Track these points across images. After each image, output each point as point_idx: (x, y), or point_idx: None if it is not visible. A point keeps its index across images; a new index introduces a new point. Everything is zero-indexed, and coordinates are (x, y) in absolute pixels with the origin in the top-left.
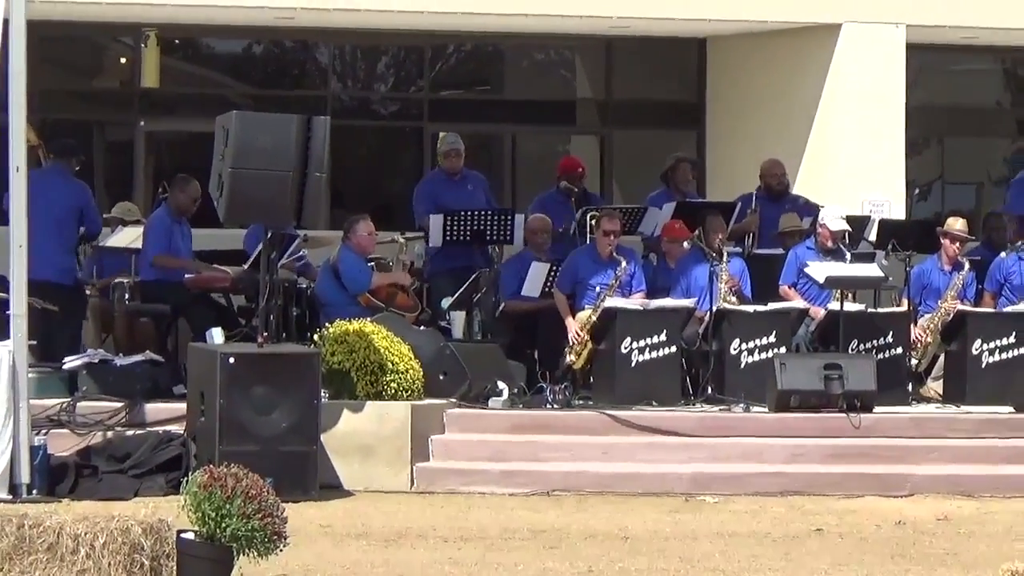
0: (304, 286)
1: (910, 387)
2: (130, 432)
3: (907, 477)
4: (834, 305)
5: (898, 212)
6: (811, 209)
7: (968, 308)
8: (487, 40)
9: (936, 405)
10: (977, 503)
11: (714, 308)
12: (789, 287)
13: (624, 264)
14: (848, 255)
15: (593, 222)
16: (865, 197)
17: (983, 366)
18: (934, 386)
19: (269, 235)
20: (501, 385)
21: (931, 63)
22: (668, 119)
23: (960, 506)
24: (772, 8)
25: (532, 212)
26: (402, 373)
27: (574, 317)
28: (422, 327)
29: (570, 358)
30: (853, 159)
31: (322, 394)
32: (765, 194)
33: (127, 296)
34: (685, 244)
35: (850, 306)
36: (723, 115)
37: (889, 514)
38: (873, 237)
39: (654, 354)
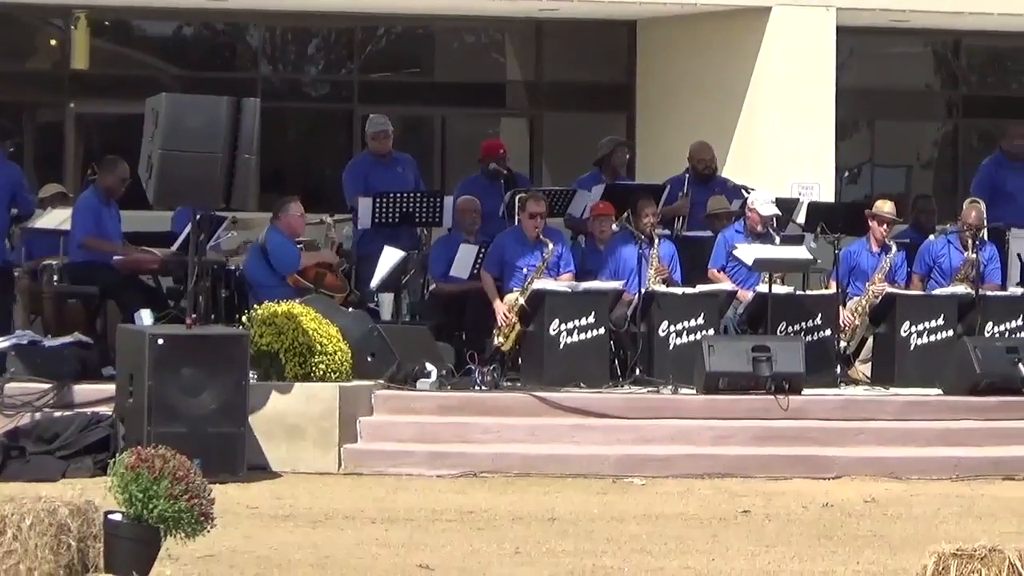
0: (232, 267)
1: (838, 369)
2: (58, 413)
3: (835, 459)
4: (763, 288)
5: (827, 195)
6: (740, 192)
7: (897, 290)
8: (417, 22)
9: (864, 387)
10: (904, 485)
11: (643, 290)
12: (718, 270)
13: (551, 246)
14: (777, 239)
15: (520, 204)
16: (794, 180)
17: (911, 348)
18: (862, 368)
19: (198, 217)
20: (429, 367)
21: (861, 46)
22: (598, 102)
23: (887, 488)
24: None
25: (459, 194)
26: (330, 355)
27: (502, 299)
28: (350, 309)
29: (498, 340)
30: (783, 142)
31: (250, 375)
32: (694, 177)
33: (56, 278)
34: (614, 226)
35: (779, 288)
36: (653, 98)
37: (816, 496)
38: (802, 220)
39: (582, 336)
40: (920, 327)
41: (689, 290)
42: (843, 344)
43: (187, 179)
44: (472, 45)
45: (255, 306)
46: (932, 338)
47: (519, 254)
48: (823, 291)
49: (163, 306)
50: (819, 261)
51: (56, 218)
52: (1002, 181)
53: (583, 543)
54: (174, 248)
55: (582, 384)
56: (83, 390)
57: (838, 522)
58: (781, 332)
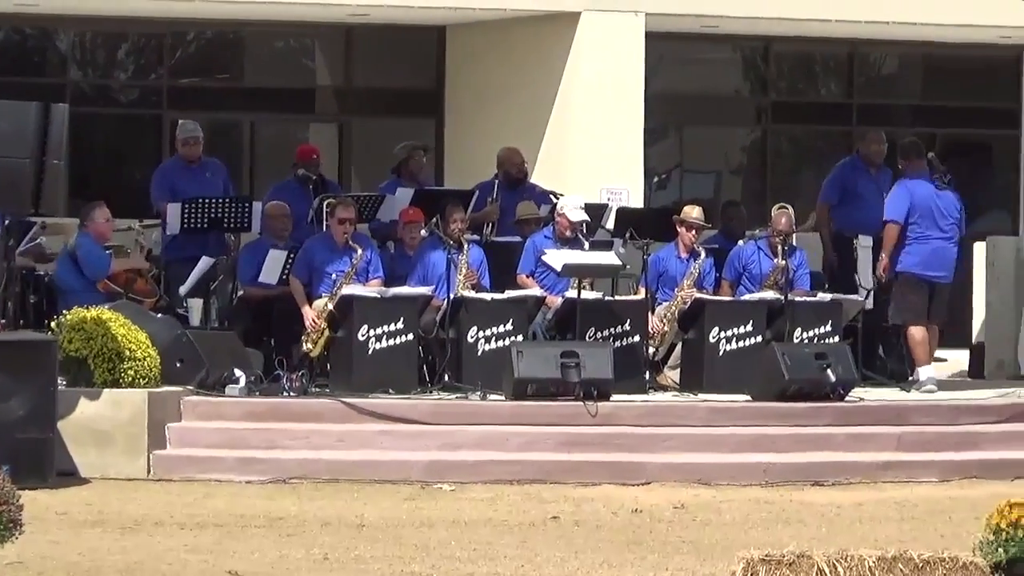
0: (42, 273)
1: (647, 375)
2: None
3: (644, 465)
4: (571, 293)
5: (636, 200)
6: (549, 197)
7: (705, 296)
8: (227, 27)
9: (673, 393)
10: (713, 491)
11: (452, 296)
12: (527, 276)
13: (360, 252)
14: (586, 244)
15: (328, 209)
16: (603, 185)
17: (720, 354)
18: (671, 374)
19: (6, 222)
20: (238, 373)
21: (670, 51)
22: (407, 107)
23: (696, 494)
24: None
25: (269, 199)
26: (139, 360)
27: (311, 305)
28: (159, 314)
29: (307, 346)
30: (592, 147)
31: (59, 381)
32: (503, 182)
33: None
34: (423, 232)
35: (587, 294)
36: (462, 103)
37: (625, 502)
38: (611, 225)
39: (391, 342)
40: (729, 333)
41: (498, 296)
42: (652, 350)
43: None
44: (282, 50)
45: (64, 312)
46: (741, 344)
47: (328, 260)
48: (632, 297)
49: None
50: (628, 267)
51: None
52: (854, 184)
53: (392, 549)
54: None
55: (391, 390)
56: None
57: (647, 528)
58: (590, 338)
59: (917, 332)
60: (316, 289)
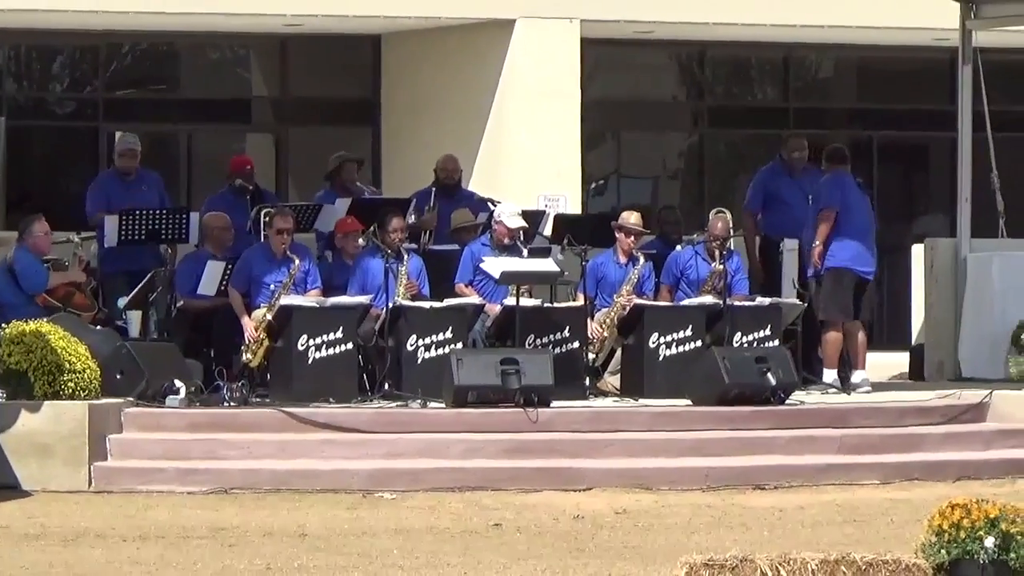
0: None
1: (587, 381)
2: None
3: (585, 471)
4: (510, 301)
5: (574, 206)
6: (486, 205)
7: (645, 302)
8: (162, 39)
9: (614, 399)
10: (655, 496)
11: (391, 304)
12: (465, 284)
13: (298, 262)
14: (524, 251)
15: (267, 220)
16: (541, 192)
17: (660, 359)
18: (612, 380)
19: None
20: (178, 384)
21: (606, 58)
22: (343, 116)
23: (638, 499)
24: (445, 4)
25: (205, 211)
26: (79, 373)
27: (250, 315)
28: (98, 327)
29: (246, 356)
30: (529, 154)
31: None
32: (440, 190)
33: None
34: (360, 241)
35: (526, 301)
36: (398, 112)
37: (567, 508)
38: (548, 232)
39: (331, 351)
40: (668, 338)
41: (437, 304)
42: (592, 356)
43: None
44: (217, 61)
45: (3, 325)
46: (680, 349)
47: (266, 270)
48: (571, 303)
49: None
50: (566, 273)
51: None
52: (777, 189)
53: (334, 558)
54: None
55: (331, 399)
56: None
57: (589, 534)
58: (529, 345)
59: (833, 334)
60: (255, 300)
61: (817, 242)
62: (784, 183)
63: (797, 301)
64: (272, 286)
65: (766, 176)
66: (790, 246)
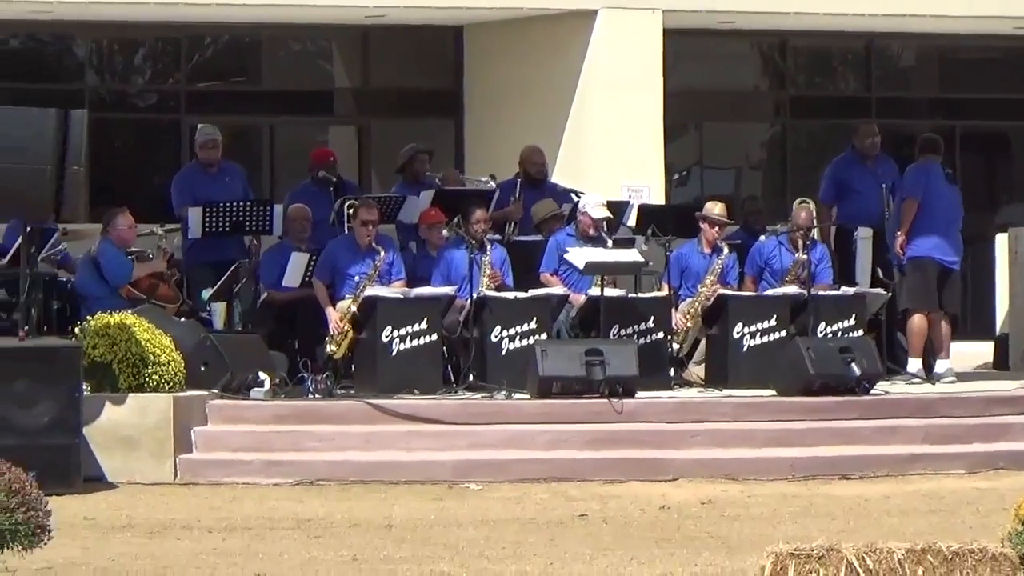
0: (65, 280)
1: (672, 372)
2: None
3: (670, 462)
4: (594, 291)
5: (657, 197)
6: (570, 196)
7: (729, 292)
8: (244, 31)
9: (698, 389)
10: (740, 486)
11: (475, 295)
12: (550, 274)
13: (382, 254)
14: (608, 242)
15: (351, 211)
16: (624, 182)
17: (744, 350)
18: (696, 370)
19: (28, 229)
20: (262, 375)
21: (688, 48)
22: (426, 107)
23: (724, 490)
24: None
25: (289, 203)
26: (164, 365)
27: (334, 307)
28: (183, 319)
29: (330, 348)
30: (611, 145)
31: (84, 387)
32: (524, 181)
33: None
34: (444, 232)
35: (610, 292)
36: (481, 103)
37: (653, 499)
38: (632, 222)
39: (415, 342)
40: (753, 328)
41: (521, 294)
42: (676, 346)
43: (16, 192)
44: (299, 53)
45: (88, 317)
46: (765, 339)
47: (350, 261)
48: (655, 293)
49: None
50: (650, 263)
51: None
52: (849, 179)
53: (420, 549)
54: (4, 261)
55: (416, 390)
56: None
57: (675, 524)
58: (614, 335)
59: (917, 322)
60: (339, 291)
61: (899, 233)
62: (856, 172)
63: (881, 291)
64: (356, 277)
65: (838, 166)
66: (864, 235)
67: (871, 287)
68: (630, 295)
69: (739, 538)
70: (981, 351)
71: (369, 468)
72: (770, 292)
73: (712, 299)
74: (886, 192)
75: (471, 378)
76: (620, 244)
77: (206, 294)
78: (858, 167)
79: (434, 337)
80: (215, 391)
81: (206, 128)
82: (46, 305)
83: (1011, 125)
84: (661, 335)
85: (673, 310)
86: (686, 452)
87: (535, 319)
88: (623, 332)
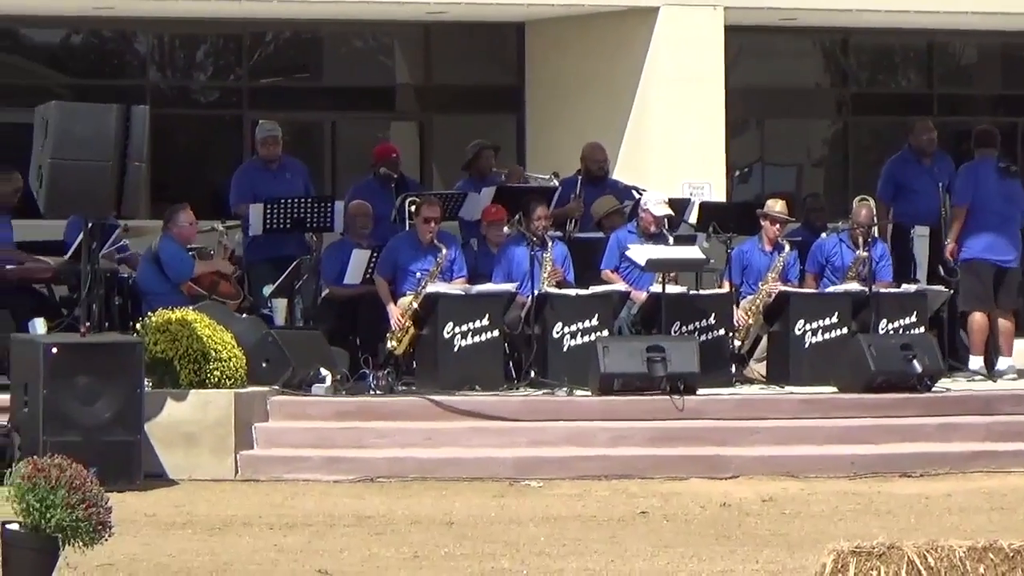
0: (126, 276)
1: (733, 369)
2: None
3: (731, 459)
4: (656, 288)
5: (718, 194)
6: (631, 193)
7: (790, 289)
8: (305, 27)
9: (759, 386)
10: (801, 484)
11: (536, 292)
12: (611, 271)
13: (444, 251)
14: (670, 239)
15: (412, 208)
16: (685, 180)
17: (806, 347)
18: (757, 367)
19: (90, 225)
20: (324, 372)
21: (750, 45)
22: (487, 104)
23: (785, 487)
24: None
25: (350, 199)
26: (225, 361)
27: (396, 303)
28: (244, 315)
29: (391, 344)
30: (673, 142)
31: (145, 383)
32: (586, 178)
33: None
34: (506, 229)
35: (672, 288)
36: (543, 99)
37: (714, 496)
38: (693, 219)
39: (476, 339)
40: (814, 325)
41: (582, 291)
42: (737, 343)
43: (78, 188)
44: (360, 49)
45: (149, 313)
46: (826, 336)
47: (413, 258)
48: (716, 290)
49: (56, 315)
50: (712, 261)
51: None
52: (905, 177)
53: (481, 546)
54: (67, 257)
55: (477, 387)
56: None
57: (736, 521)
58: (675, 332)
59: (978, 319)
60: (400, 287)
61: (949, 240)
62: (913, 171)
63: (942, 288)
64: (418, 274)
65: (895, 165)
66: (921, 232)
67: (930, 284)
68: (691, 292)
69: (800, 536)
70: None
71: (430, 465)
72: (831, 289)
73: (773, 296)
74: (943, 190)
75: (532, 375)
76: (681, 241)
77: (267, 290)
78: (914, 165)
79: (496, 334)
80: (276, 387)
81: (266, 124)
82: (107, 301)
83: None
84: (722, 332)
85: (734, 307)
86: (747, 449)
87: (596, 316)
88: (684, 329)
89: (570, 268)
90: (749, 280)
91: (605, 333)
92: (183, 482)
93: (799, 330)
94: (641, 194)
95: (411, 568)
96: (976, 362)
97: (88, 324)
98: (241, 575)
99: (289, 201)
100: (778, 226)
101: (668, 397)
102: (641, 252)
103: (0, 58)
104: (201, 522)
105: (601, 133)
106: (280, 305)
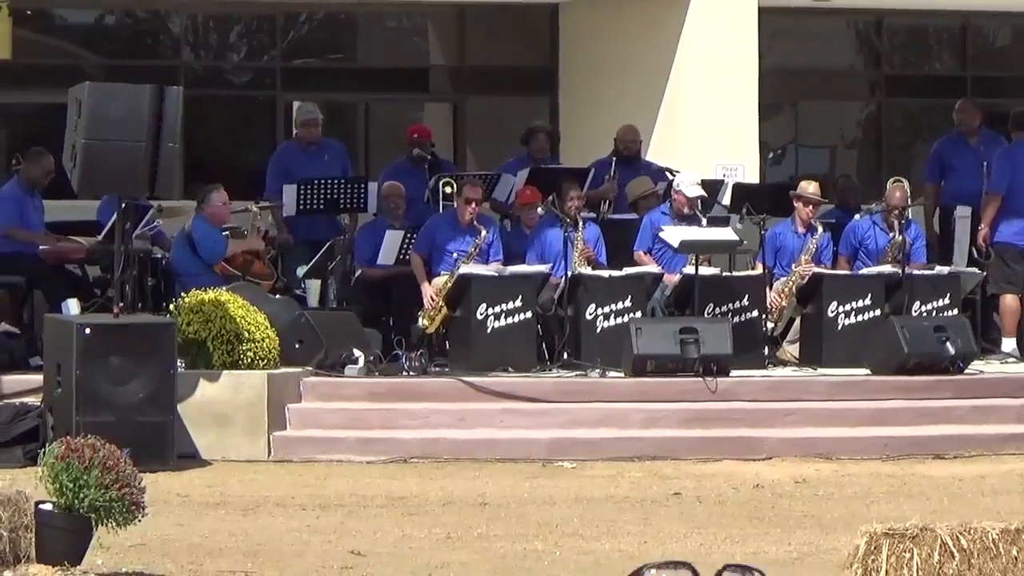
0: (159, 256)
1: (766, 350)
2: None
3: (764, 440)
4: (689, 269)
5: (752, 176)
6: (664, 174)
7: (823, 270)
8: (339, 8)
9: (792, 368)
10: (834, 465)
11: (569, 273)
12: (644, 252)
13: (484, 232)
14: (703, 220)
15: (447, 189)
16: (718, 161)
17: (839, 328)
18: (790, 349)
19: (123, 206)
20: (357, 353)
21: (783, 26)
22: (521, 85)
23: (818, 469)
24: None
25: (384, 180)
26: (258, 342)
27: (430, 282)
28: (277, 296)
29: (423, 322)
30: (706, 123)
31: (178, 364)
32: (619, 159)
33: None
34: (539, 210)
35: (705, 270)
36: (576, 81)
37: (747, 477)
38: (727, 201)
39: (510, 320)
40: (847, 307)
41: (616, 273)
42: (770, 325)
43: (111, 168)
44: (395, 30)
45: (182, 294)
46: (859, 318)
47: (450, 238)
48: (750, 272)
49: (89, 295)
50: (745, 242)
51: None
52: (951, 159)
53: (514, 527)
54: (100, 237)
55: (510, 368)
56: (11, 380)
57: (769, 503)
58: (708, 314)
59: (1008, 301)
60: (435, 267)
61: (983, 225)
62: (959, 152)
63: (975, 270)
64: (455, 255)
65: (943, 146)
66: (962, 213)
67: (968, 266)
68: (724, 274)
69: (833, 517)
70: None
71: (463, 446)
72: (865, 271)
73: (807, 278)
74: (986, 170)
75: (565, 356)
76: (715, 223)
77: (301, 271)
78: (960, 145)
79: (529, 315)
80: (309, 368)
81: (307, 106)
82: (141, 281)
83: None
84: (755, 314)
85: (767, 289)
86: (780, 431)
87: (630, 297)
88: (717, 311)
89: (602, 249)
90: (782, 262)
91: (638, 314)
92: (216, 462)
93: (832, 312)
94: (674, 176)
95: (444, 549)
96: (1009, 344)
97: (121, 304)
98: (274, 555)
99: (323, 182)
100: (811, 207)
101: (701, 379)
102: (674, 233)
103: (34, 39)
104: (234, 502)
105: (635, 115)
106: (314, 286)
